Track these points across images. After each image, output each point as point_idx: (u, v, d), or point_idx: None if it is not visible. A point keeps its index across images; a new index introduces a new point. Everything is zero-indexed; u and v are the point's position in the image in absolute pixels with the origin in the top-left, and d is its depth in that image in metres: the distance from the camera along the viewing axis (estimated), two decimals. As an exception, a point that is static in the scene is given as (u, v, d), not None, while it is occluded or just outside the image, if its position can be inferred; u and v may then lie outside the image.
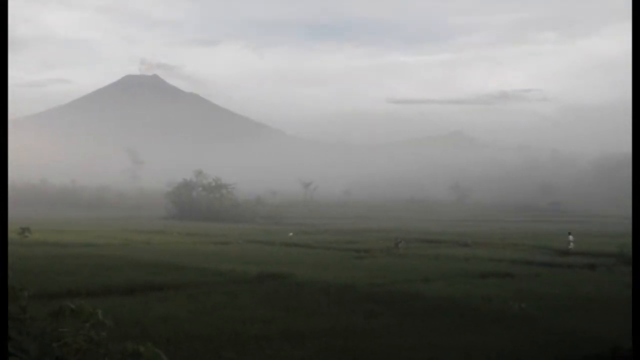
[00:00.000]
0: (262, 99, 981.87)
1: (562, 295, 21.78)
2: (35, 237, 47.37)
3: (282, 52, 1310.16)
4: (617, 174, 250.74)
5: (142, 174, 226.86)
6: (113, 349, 5.31)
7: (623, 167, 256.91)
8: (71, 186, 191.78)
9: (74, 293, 18.47)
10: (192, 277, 23.13)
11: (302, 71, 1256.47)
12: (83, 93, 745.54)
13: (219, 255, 37.36)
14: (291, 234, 70.77)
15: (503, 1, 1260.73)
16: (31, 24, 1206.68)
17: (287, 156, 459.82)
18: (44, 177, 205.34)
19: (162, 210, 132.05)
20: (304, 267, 30.41)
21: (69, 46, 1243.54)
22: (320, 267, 30.92)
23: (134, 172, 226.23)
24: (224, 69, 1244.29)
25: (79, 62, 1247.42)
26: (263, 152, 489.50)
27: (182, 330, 13.20)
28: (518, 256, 41.94)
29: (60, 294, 17.52)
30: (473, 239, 58.26)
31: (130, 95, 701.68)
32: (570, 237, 47.44)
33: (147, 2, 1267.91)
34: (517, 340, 12.09)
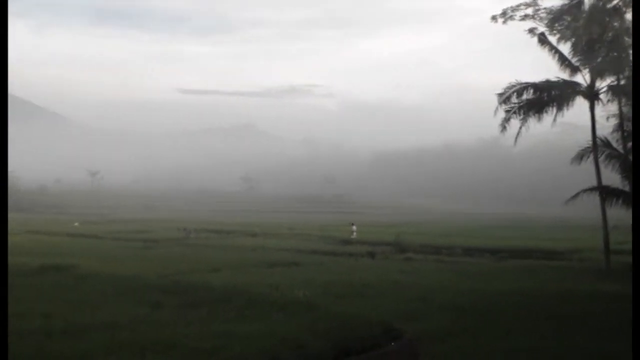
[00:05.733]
0: (45, 82, 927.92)
1: (343, 282, 23.00)
2: None
3: (68, 35, 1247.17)
4: (392, 167, 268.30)
5: None
6: None
7: (396, 162, 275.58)
8: None
9: None
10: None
11: (88, 56, 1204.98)
12: None
13: (-6, 247, 34.87)
14: (77, 223, 68.04)
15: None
16: None
17: (72, 143, 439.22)
18: None
19: None
20: (89, 258, 29.37)
21: None
22: (106, 258, 30.06)
23: None
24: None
25: None
26: (46, 138, 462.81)
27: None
28: (304, 245, 43.57)
29: None
30: (261, 229, 59.57)
31: None
32: (353, 227, 50.09)
33: None
34: (300, 326, 12.65)
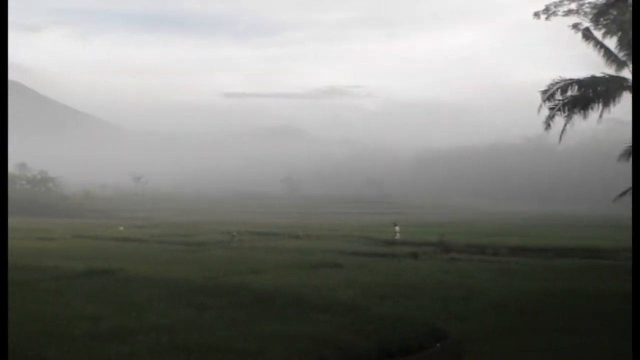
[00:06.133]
0: (89, 89, 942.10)
1: (386, 283, 22.89)
2: None
3: (110, 41, 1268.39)
4: (433, 167, 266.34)
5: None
6: None
7: (438, 161, 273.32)
8: None
9: None
10: (9, 274, 21.78)
11: (131, 61, 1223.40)
12: None
13: (43, 252, 35.64)
14: (122, 228, 69.00)
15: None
16: None
17: (117, 148, 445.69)
18: None
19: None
20: (134, 261, 29.77)
21: None
22: (151, 262, 30.41)
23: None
24: (47, 56, 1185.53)
25: None
26: (91, 144, 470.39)
27: None
28: (347, 247, 43.42)
29: None
30: (304, 231, 59.57)
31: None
32: (396, 228, 49.79)
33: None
34: (342, 327, 12.64)
